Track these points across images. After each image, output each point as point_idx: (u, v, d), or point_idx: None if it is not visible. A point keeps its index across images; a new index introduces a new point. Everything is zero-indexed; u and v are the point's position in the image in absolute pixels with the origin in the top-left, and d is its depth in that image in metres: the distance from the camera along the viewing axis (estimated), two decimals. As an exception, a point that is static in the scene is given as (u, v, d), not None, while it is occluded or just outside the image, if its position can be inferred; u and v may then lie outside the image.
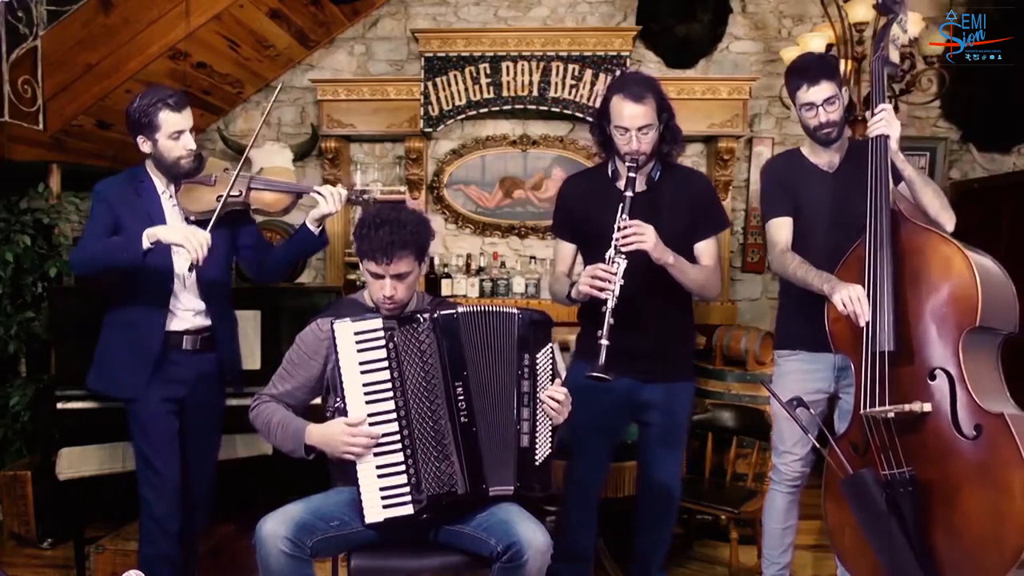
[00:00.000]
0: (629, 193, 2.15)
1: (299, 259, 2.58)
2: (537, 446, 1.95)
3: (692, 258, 2.34)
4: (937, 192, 2.20)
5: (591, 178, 2.45)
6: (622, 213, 2.14)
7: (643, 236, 2.10)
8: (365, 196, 2.51)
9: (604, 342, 2.04)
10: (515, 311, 1.97)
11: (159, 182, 2.37)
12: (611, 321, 2.06)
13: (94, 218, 2.30)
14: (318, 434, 1.92)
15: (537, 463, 1.95)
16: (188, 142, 2.29)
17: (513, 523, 1.86)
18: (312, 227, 2.41)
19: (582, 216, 2.37)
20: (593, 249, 2.33)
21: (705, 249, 2.36)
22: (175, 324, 2.36)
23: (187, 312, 2.38)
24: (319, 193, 2.36)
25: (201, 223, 2.29)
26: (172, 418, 2.37)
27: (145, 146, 2.31)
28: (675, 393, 2.38)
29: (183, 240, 2.15)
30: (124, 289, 2.35)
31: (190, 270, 2.20)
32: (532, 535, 1.82)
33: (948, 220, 2.17)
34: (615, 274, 2.09)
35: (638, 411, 2.39)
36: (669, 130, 2.28)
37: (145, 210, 2.31)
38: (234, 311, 2.56)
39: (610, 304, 2.08)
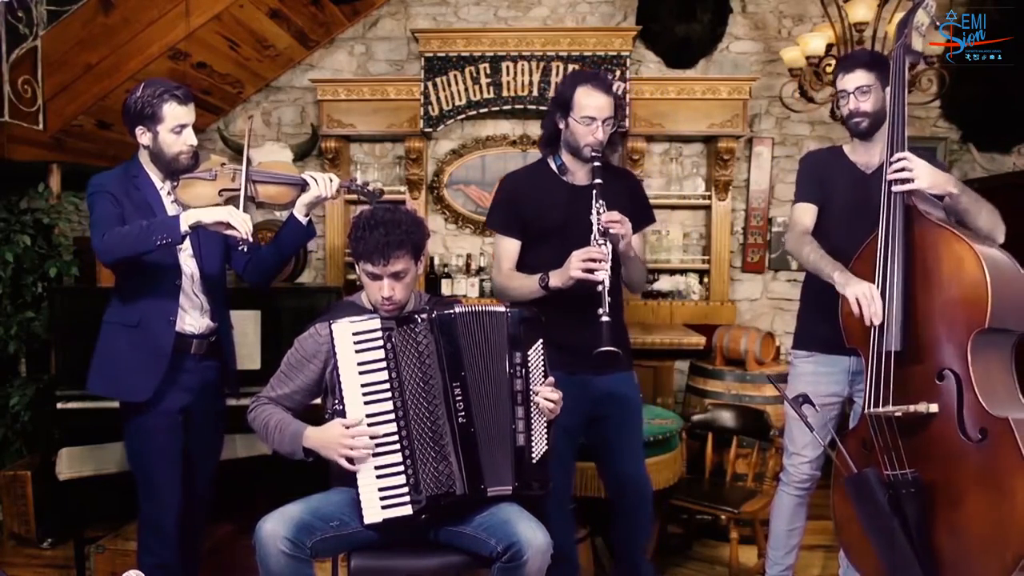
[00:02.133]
0: (599, 181, 2.20)
1: (289, 254, 2.45)
2: (533, 444, 1.96)
3: None
4: (991, 211, 2.16)
5: (535, 175, 2.43)
6: (597, 200, 2.18)
7: (626, 224, 2.17)
8: (364, 187, 2.47)
9: (606, 319, 2.07)
10: (505, 309, 1.98)
11: (155, 176, 2.28)
12: (609, 299, 2.09)
13: (102, 207, 2.18)
14: (315, 437, 1.92)
15: (534, 461, 1.95)
16: (189, 137, 2.23)
17: (513, 523, 1.86)
18: (300, 216, 2.35)
19: (531, 212, 2.36)
20: (540, 245, 2.34)
21: (638, 242, 2.42)
22: (183, 325, 2.28)
23: (195, 310, 2.31)
24: (311, 178, 2.33)
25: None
26: (179, 430, 2.31)
27: (144, 138, 2.23)
28: (625, 382, 2.39)
29: (228, 217, 2.07)
30: (129, 286, 2.26)
31: (241, 248, 2.15)
32: (532, 535, 1.82)
33: (1000, 234, 2.15)
34: (607, 254, 2.13)
35: (596, 405, 2.35)
36: (614, 129, 2.34)
37: (147, 203, 2.24)
38: (229, 314, 2.50)
39: (606, 283, 2.11)
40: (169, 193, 2.30)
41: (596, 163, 2.22)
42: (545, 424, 1.98)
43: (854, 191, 2.33)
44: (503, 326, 1.97)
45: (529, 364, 1.97)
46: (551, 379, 1.99)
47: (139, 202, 2.23)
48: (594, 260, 2.12)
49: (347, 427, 1.87)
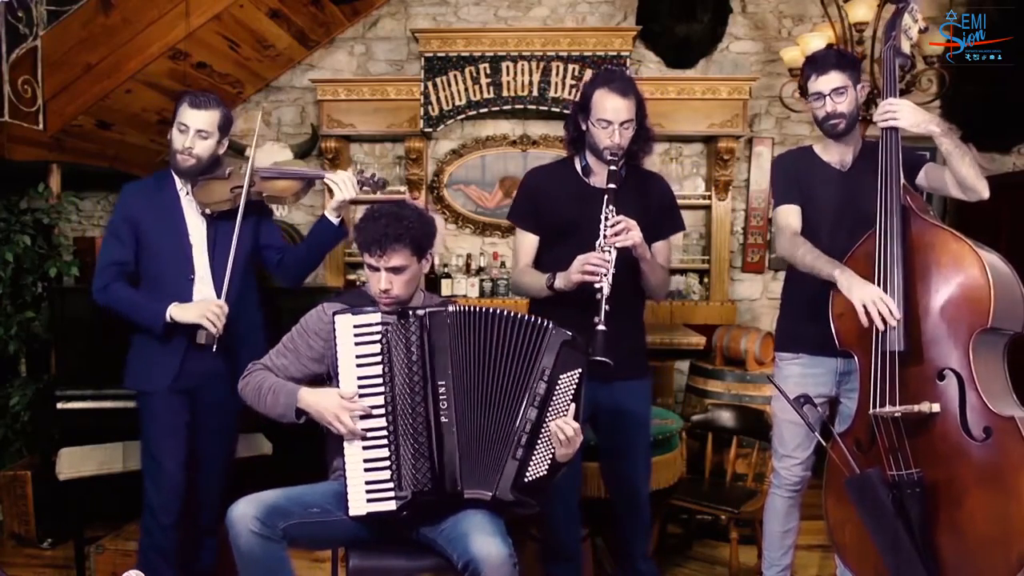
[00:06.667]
0: (612, 185, 2.17)
1: (321, 254, 2.55)
2: (531, 464, 1.90)
3: None
4: (975, 160, 2.17)
5: (558, 172, 2.42)
6: (607, 205, 2.15)
7: (632, 232, 2.12)
8: (374, 178, 2.50)
9: (601, 328, 2.02)
10: (548, 325, 1.92)
11: (179, 180, 2.40)
12: (607, 308, 2.05)
13: (108, 247, 2.34)
14: (310, 399, 1.92)
15: (526, 479, 1.89)
16: (189, 140, 2.29)
17: (471, 537, 1.81)
18: (331, 217, 2.42)
19: (550, 209, 2.35)
20: (558, 243, 2.32)
21: (662, 249, 2.38)
22: None
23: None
24: (332, 180, 2.38)
25: (217, 214, 2.35)
26: (182, 412, 2.36)
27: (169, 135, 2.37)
28: (633, 392, 2.37)
29: (198, 318, 2.24)
30: (146, 286, 2.37)
31: (210, 346, 2.26)
32: (487, 551, 1.76)
33: (984, 188, 2.16)
34: (609, 262, 2.10)
35: (596, 410, 2.34)
36: (643, 130, 2.30)
37: (167, 205, 2.36)
38: (259, 311, 2.53)
39: (605, 291, 2.07)
40: (188, 194, 2.39)
41: (612, 167, 2.19)
42: (551, 454, 1.91)
43: (832, 190, 2.32)
44: (535, 338, 1.91)
45: (557, 388, 1.90)
46: (572, 408, 1.91)
47: (158, 204, 2.37)
48: (594, 264, 2.10)
49: (343, 397, 1.88)
